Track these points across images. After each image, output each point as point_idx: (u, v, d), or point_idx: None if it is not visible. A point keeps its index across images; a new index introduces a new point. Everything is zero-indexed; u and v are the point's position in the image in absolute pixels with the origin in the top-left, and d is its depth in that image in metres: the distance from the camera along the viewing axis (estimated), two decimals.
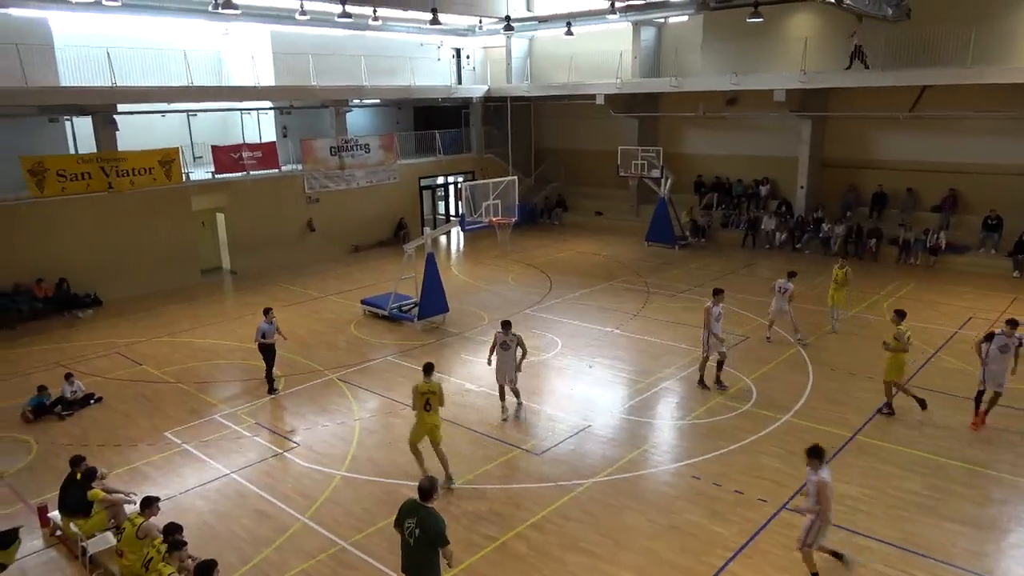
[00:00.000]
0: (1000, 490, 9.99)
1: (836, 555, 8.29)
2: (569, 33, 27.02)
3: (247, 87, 24.13)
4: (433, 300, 17.73)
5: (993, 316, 17.54)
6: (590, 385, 14.13)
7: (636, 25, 28.50)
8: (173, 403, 13.63)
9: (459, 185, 25.78)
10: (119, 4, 19.31)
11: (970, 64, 20.55)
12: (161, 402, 13.70)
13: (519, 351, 12.40)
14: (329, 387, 14.20)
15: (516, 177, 19.09)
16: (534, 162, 34.51)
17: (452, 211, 32.78)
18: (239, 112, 26.50)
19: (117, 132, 21.15)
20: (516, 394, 12.86)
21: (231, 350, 16.41)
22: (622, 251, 26.04)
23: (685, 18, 27.81)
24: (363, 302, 19.27)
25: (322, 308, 19.79)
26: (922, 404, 12.17)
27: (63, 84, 20.54)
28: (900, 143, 24.74)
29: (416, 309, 17.77)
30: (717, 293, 13.66)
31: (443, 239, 29.52)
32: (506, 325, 12.53)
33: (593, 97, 28.81)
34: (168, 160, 21.83)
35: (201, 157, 24.15)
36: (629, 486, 10.34)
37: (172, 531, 7.63)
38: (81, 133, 21.94)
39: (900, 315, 12.43)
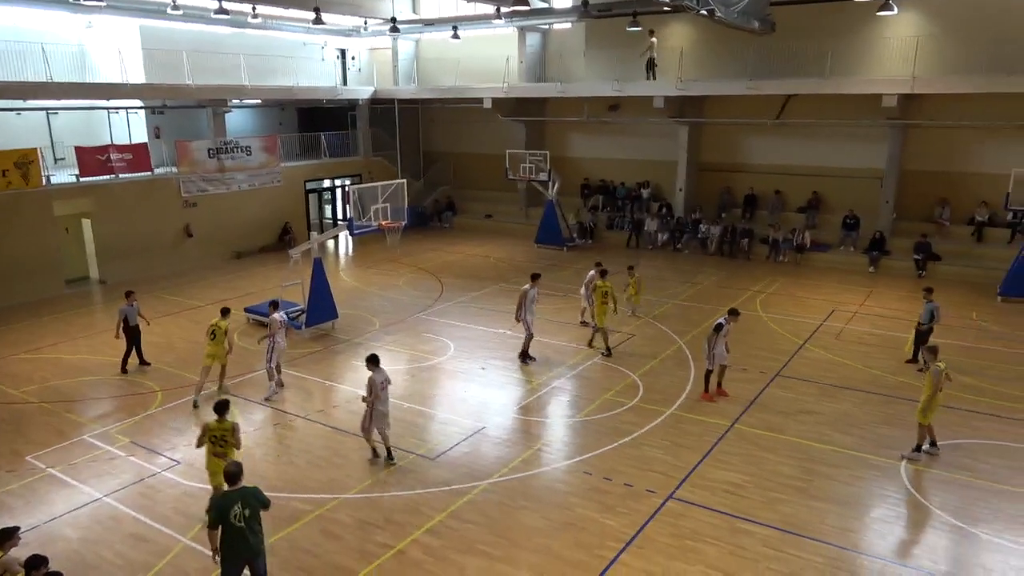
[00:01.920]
0: (863, 469, 10.81)
1: (388, 453, 11.09)
2: (455, 37, 27.07)
3: (114, 84, 22.66)
4: (322, 306, 17.29)
5: (853, 308, 18.99)
6: (483, 387, 14.19)
7: (522, 31, 28.91)
8: (35, 425, 12.60)
9: (346, 188, 25.31)
10: None
11: (828, 76, 22.19)
12: (22, 424, 12.63)
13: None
14: (212, 400, 13.53)
15: (405, 180, 18.90)
16: (423, 165, 34.32)
17: (340, 215, 32.12)
18: (106, 111, 24.87)
19: None
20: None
21: (102, 365, 15.36)
22: (512, 253, 26.34)
23: (568, 25, 28.46)
24: (247, 310, 18.51)
25: (202, 318, 18.82)
26: (608, 353, 15.52)
27: None
28: (768, 148, 26.36)
29: (304, 316, 17.28)
30: (535, 277, 15.51)
31: (331, 244, 28.84)
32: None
33: (481, 101, 28.99)
34: (25, 162, 20.14)
35: (64, 159, 22.48)
36: (523, 485, 10.47)
37: (36, 564, 7.03)
38: None
39: (604, 274, 16.00)
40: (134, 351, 15.11)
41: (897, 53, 22.11)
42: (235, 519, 7.37)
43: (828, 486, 10.36)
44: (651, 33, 25.02)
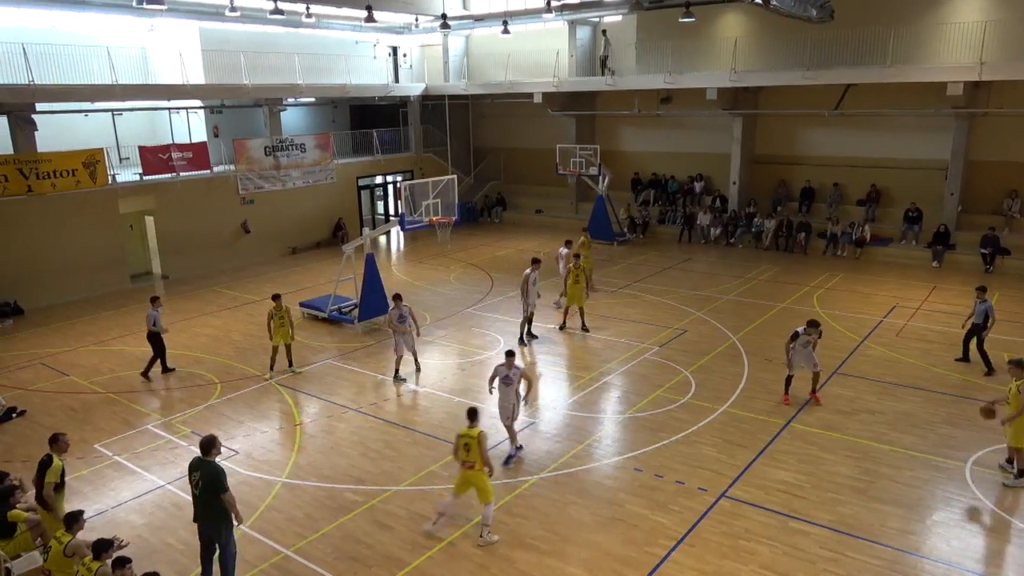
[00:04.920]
0: (925, 471, 10.46)
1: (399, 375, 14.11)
2: (506, 32, 27.07)
3: (175, 85, 23.37)
4: (374, 301, 17.52)
5: (915, 304, 18.37)
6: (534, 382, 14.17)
7: (572, 24, 28.72)
8: (103, 414, 13.12)
9: (398, 184, 25.58)
10: None
11: (889, 64, 21.47)
12: (90, 414, 13.17)
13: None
14: (268, 392, 13.90)
15: (456, 176, 19.02)
16: (473, 160, 34.46)
17: (391, 211, 32.50)
18: (167, 111, 25.67)
19: (36, 132, 20.22)
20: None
21: None
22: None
23: (619, 18, 28.18)
24: (302, 304, 18.92)
25: (259, 312, 19.31)
26: (561, 328, 16.75)
27: None
28: (826, 140, 25.64)
29: (356, 311, 17.55)
30: (535, 262, 16.21)
31: (383, 239, 29.22)
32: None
33: (531, 96, 28.94)
34: (93, 161, 20.95)
35: (128, 158, 23.27)
36: (573, 481, 10.45)
37: (103, 547, 7.34)
38: None
39: (576, 256, 17.03)
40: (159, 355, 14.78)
41: (962, 39, 21.24)
42: (193, 486, 7.97)
43: (888, 487, 10.05)
44: (604, 33, 26.34)
